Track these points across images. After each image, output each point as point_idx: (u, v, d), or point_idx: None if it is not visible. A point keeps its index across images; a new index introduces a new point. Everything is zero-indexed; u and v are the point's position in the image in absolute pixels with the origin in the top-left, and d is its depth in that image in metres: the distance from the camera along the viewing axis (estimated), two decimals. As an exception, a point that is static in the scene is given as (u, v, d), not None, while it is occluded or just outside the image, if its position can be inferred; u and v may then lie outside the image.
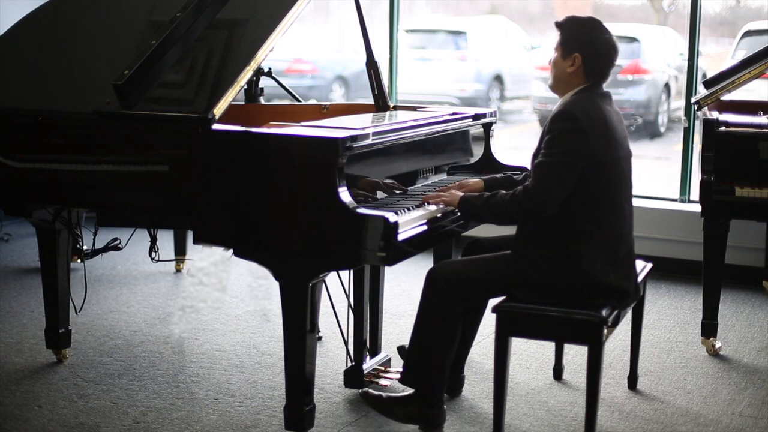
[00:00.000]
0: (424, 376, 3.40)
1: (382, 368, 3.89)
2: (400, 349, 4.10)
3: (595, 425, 3.27)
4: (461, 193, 3.44)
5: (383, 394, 3.49)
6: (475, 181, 3.68)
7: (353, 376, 3.81)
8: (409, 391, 3.48)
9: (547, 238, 3.26)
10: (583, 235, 3.23)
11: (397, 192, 3.56)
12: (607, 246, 3.26)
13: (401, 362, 3.73)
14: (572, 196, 3.20)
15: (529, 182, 3.23)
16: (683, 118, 5.95)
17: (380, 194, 3.49)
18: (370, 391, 3.52)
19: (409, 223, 3.21)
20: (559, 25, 3.38)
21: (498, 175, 3.78)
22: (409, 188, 3.66)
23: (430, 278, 3.37)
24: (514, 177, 3.72)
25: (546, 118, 3.35)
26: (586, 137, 3.17)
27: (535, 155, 3.28)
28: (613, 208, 3.28)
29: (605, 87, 3.38)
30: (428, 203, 3.43)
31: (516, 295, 3.30)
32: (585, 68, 3.30)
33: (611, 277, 3.26)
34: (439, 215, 3.41)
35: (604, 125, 3.23)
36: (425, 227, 3.29)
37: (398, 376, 3.82)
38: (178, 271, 5.67)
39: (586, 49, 3.29)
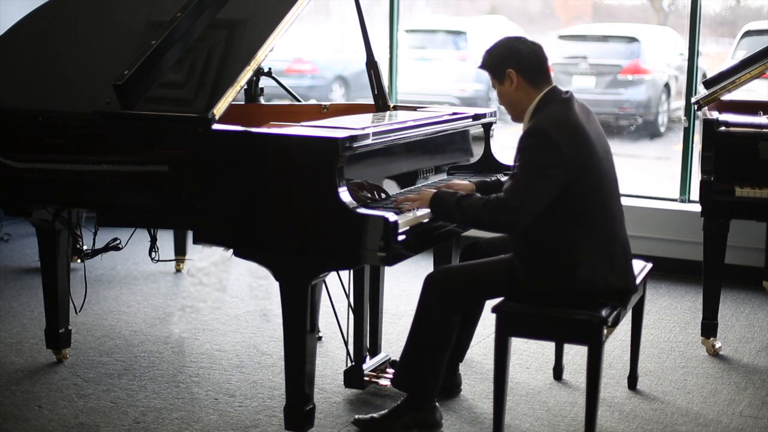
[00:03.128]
0: (419, 380, 3.38)
1: (382, 368, 3.89)
2: None
3: (595, 425, 3.27)
4: (433, 191, 3.34)
5: (374, 415, 3.48)
6: (464, 183, 3.59)
7: (353, 376, 3.81)
8: (396, 402, 3.48)
9: (542, 253, 3.26)
10: (576, 244, 3.22)
11: (383, 196, 3.48)
12: (602, 249, 3.25)
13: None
14: (558, 207, 3.18)
15: (502, 194, 3.18)
16: (683, 118, 5.95)
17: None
18: (360, 417, 3.51)
19: (410, 222, 3.21)
20: (481, 66, 3.37)
21: (488, 179, 3.71)
22: (392, 194, 3.55)
23: (430, 283, 3.36)
24: (502, 180, 3.63)
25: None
26: (559, 151, 3.13)
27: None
28: (601, 210, 3.26)
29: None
30: (400, 210, 3.28)
31: (514, 299, 3.30)
32: (524, 77, 3.27)
33: (610, 279, 3.26)
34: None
35: (576, 132, 3.20)
36: (425, 227, 3.28)
37: (392, 377, 3.83)
38: (178, 271, 5.67)
39: (511, 61, 3.28)
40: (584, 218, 3.22)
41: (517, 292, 3.30)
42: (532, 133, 3.19)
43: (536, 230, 3.23)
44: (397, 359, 4.01)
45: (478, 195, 3.27)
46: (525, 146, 3.18)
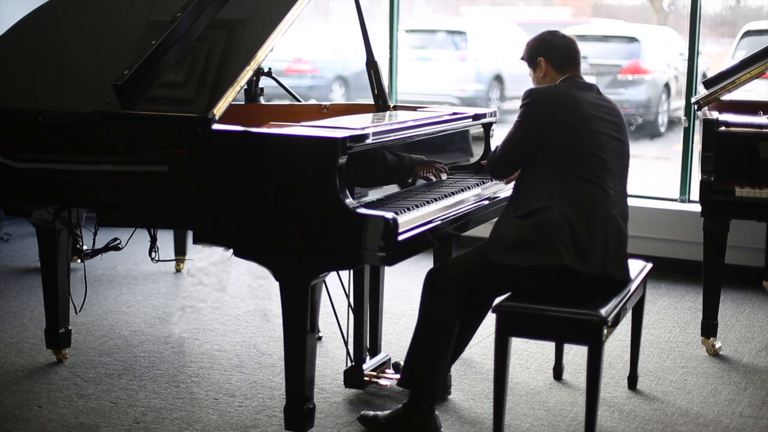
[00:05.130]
0: (418, 375, 3.38)
1: (382, 368, 3.89)
2: None
3: (595, 425, 3.27)
4: None
5: (378, 414, 3.49)
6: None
7: (353, 376, 3.81)
8: (398, 405, 3.47)
9: (521, 201, 3.38)
10: (550, 196, 3.32)
11: (444, 177, 3.82)
12: (569, 206, 3.29)
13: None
14: (541, 161, 3.37)
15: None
16: (683, 118, 5.95)
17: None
18: (366, 413, 3.52)
19: (410, 222, 3.21)
20: (521, 57, 3.68)
21: None
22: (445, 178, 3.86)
23: (429, 276, 3.42)
24: None
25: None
26: (538, 109, 3.40)
27: None
28: (582, 175, 3.34)
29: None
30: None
31: (487, 250, 3.34)
32: (552, 65, 3.56)
33: (567, 235, 3.26)
34: (440, 215, 3.41)
35: (564, 101, 3.41)
36: (426, 227, 3.29)
37: (399, 377, 3.83)
38: (178, 271, 5.67)
39: (543, 50, 3.58)
40: (566, 175, 3.33)
41: (492, 244, 3.35)
42: (522, 97, 3.48)
43: (518, 184, 3.46)
44: (398, 359, 4.03)
45: None
46: (519, 108, 3.46)
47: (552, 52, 3.55)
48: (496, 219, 3.86)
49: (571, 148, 3.36)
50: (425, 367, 3.37)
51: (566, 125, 3.37)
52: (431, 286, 3.39)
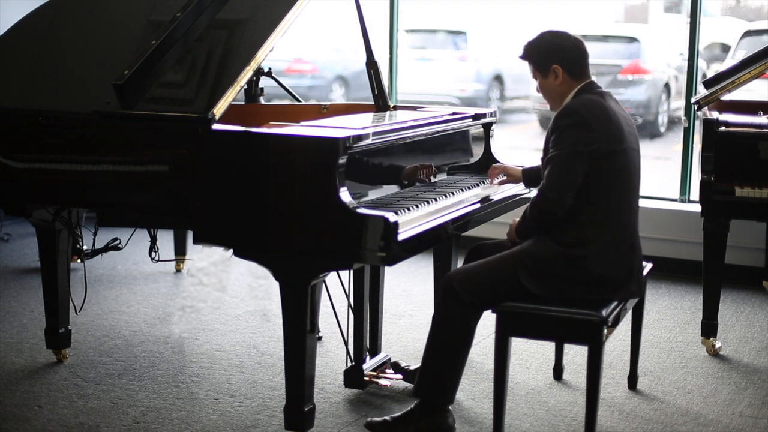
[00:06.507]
0: (438, 386, 3.34)
1: (382, 368, 3.89)
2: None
3: (595, 425, 3.27)
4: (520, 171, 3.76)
5: (387, 418, 3.45)
6: (517, 169, 3.81)
7: (353, 376, 3.81)
8: (410, 405, 3.44)
9: (562, 226, 3.28)
10: (591, 224, 3.26)
11: (428, 181, 3.72)
12: (611, 237, 3.28)
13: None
14: (584, 185, 3.24)
15: (542, 183, 3.29)
16: (683, 118, 5.96)
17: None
18: (373, 419, 3.48)
19: (409, 223, 3.21)
20: (524, 56, 3.49)
21: (535, 166, 3.78)
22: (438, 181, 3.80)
23: (450, 287, 3.31)
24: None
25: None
26: (589, 128, 3.24)
27: (544, 157, 3.34)
28: (622, 197, 3.32)
29: (606, 89, 3.43)
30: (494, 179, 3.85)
31: (520, 273, 3.28)
32: (568, 73, 3.40)
33: (606, 270, 3.27)
34: (440, 215, 3.41)
35: (607, 117, 3.29)
36: (425, 227, 3.29)
37: (399, 377, 3.83)
38: (178, 271, 5.67)
39: (558, 57, 3.41)
40: (606, 199, 3.27)
41: (522, 259, 3.29)
42: (563, 114, 3.30)
43: None
44: (397, 359, 4.03)
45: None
46: (556, 127, 3.29)
47: (566, 58, 3.39)
48: (497, 218, 3.88)
49: (615, 170, 3.28)
50: (446, 377, 3.33)
51: (613, 145, 3.27)
52: (453, 297, 3.30)
